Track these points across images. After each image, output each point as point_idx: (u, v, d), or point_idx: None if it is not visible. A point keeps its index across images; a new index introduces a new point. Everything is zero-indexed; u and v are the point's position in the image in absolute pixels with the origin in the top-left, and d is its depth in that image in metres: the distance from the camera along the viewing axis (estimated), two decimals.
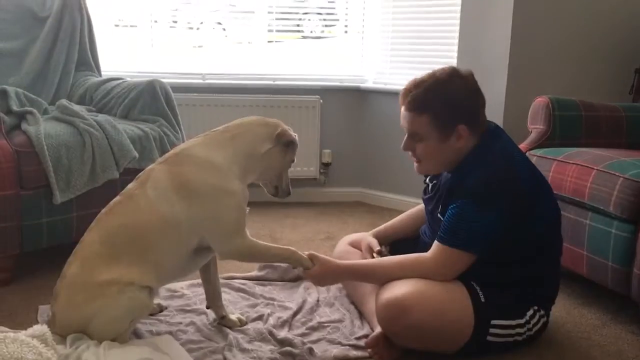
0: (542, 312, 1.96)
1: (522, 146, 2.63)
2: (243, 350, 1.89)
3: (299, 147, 2.03)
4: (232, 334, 1.98)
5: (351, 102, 3.85)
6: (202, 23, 3.88)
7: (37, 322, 1.96)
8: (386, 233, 2.29)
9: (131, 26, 3.77)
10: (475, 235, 1.82)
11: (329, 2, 3.98)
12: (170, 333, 1.97)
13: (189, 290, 2.35)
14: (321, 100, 3.74)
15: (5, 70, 2.89)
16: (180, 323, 2.08)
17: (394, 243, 2.28)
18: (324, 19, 4.06)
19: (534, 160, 2.47)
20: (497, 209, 1.80)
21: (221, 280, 2.18)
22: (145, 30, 3.72)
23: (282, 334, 2.00)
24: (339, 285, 2.39)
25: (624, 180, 2.08)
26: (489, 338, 1.85)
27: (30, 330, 1.59)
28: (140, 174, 1.92)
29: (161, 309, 2.17)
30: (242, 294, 2.33)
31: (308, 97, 3.73)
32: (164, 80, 2.99)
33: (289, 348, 1.89)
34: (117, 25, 3.75)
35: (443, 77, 1.89)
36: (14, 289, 2.34)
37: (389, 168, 3.75)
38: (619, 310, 2.29)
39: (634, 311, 2.22)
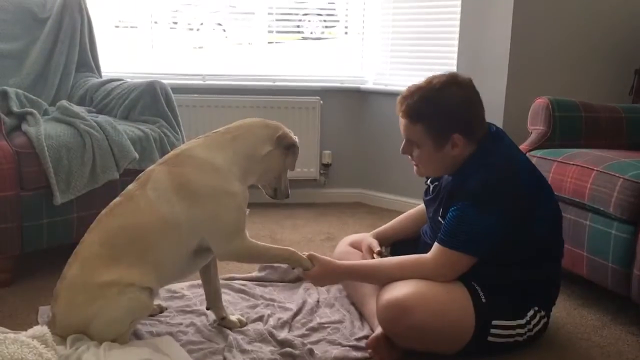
0: (542, 312, 1.96)
1: (522, 147, 2.63)
2: (243, 351, 1.89)
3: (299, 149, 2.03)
4: (232, 335, 1.98)
5: (351, 103, 3.85)
6: (202, 24, 3.88)
7: (37, 323, 1.97)
8: (386, 234, 2.29)
9: (131, 27, 3.77)
10: (476, 237, 1.82)
11: (329, 3, 3.99)
12: (170, 334, 1.97)
13: (189, 291, 2.35)
14: (321, 101, 3.75)
15: (5, 72, 2.90)
16: (181, 324, 2.08)
17: (394, 244, 2.28)
18: (324, 20, 4.06)
19: (534, 161, 2.47)
20: (498, 210, 1.80)
21: (221, 281, 2.18)
22: (146, 31, 3.72)
23: (282, 334, 2.00)
24: (339, 286, 2.39)
25: (624, 181, 2.08)
26: (490, 338, 1.85)
27: (30, 331, 1.59)
28: (140, 174, 1.92)
29: (161, 309, 2.17)
30: (242, 295, 2.33)
31: (308, 98, 3.73)
32: (164, 81, 2.99)
33: (289, 349, 1.89)
34: (117, 26, 3.75)
35: (439, 85, 1.87)
36: (14, 289, 2.34)
37: (389, 169, 3.75)
38: (619, 311, 2.29)
39: (634, 312, 2.22)
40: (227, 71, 3.79)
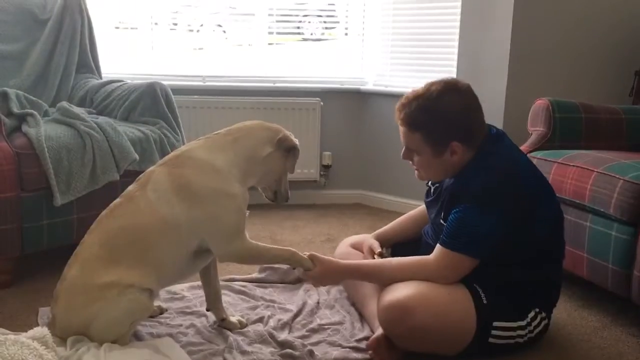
0: (543, 314, 1.96)
1: (522, 148, 2.62)
2: (243, 353, 1.89)
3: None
4: (232, 336, 1.98)
5: (351, 104, 3.85)
6: (202, 25, 3.88)
7: (37, 325, 1.97)
8: (387, 235, 2.29)
9: (131, 28, 3.77)
10: (478, 239, 1.82)
11: (329, 4, 3.99)
12: (170, 335, 1.97)
13: (189, 292, 2.35)
14: (321, 103, 3.75)
15: (5, 73, 2.90)
16: (181, 325, 2.08)
17: (395, 245, 2.28)
18: (324, 21, 4.06)
19: (534, 162, 2.47)
20: (499, 211, 1.80)
21: (221, 283, 2.18)
22: (146, 33, 3.73)
23: (283, 336, 1.99)
24: (340, 287, 2.39)
25: (624, 183, 2.08)
26: (491, 340, 1.85)
27: (30, 333, 1.59)
28: (140, 175, 1.92)
29: (161, 311, 2.17)
30: (242, 296, 2.33)
31: (308, 100, 3.73)
32: (164, 83, 3.00)
33: (289, 350, 1.89)
34: (117, 28, 3.75)
35: (437, 93, 1.87)
36: (15, 291, 2.34)
37: (389, 170, 3.75)
38: (620, 313, 2.29)
39: (634, 313, 2.22)
40: (227, 72, 3.79)
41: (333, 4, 3.98)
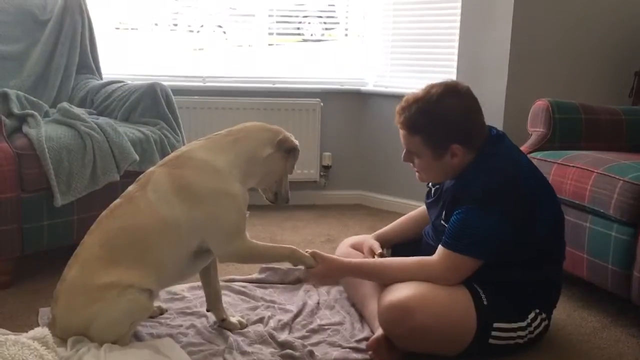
0: (543, 315, 1.96)
1: (522, 149, 2.61)
2: (243, 353, 1.89)
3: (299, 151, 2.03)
4: (232, 337, 1.98)
5: (351, 105, 3.85)
6: (202, 26, 3.89)
7: (37, 325, 1.97)
8: (387, 236, 2.29)
9: (132, 29, 3.78)
10: (480, 240, 1.82)
11: (329, 5, 3.99)
12: (170, 336, 1.97)
13: (189, 292, 2.35)
14: (322, 103, 3.75)
15: (6, 73, 2.90)
16: (181, 326, 2.08)
17: (395, 246, 2.28)
18: (324, 22, 4.06)
19: (534, 163, 2.47)
20: (500, 212, 1.80)
21: (221, 283, 2.18)
22: (146, 33, 3.73)
23: (283, 336, 2.00)
24: (340, 287, 2.39)
25: (624, 183, 2.08)
26: (491, 341, 1.85)
27: (31, 333, 1.59)
28: (140, 176, 1.92)
29: (161, 311, 2.17)
30: (242, 297, 2.34)
31: (308, 100, 3.73)
32: (165, 83, 3.00)
33: (289, 351, 1.89)
34: (117, 28, 3.75)
35: (436, 96, 1.87)
36: (15, 291, 2.34)
37: (390, 171, 3.75)
38: (619, 313, 2.29)
39: (634, 314, 2.22)
40: (227, 73, 3.79)
41: (333, 5, 3.98)
